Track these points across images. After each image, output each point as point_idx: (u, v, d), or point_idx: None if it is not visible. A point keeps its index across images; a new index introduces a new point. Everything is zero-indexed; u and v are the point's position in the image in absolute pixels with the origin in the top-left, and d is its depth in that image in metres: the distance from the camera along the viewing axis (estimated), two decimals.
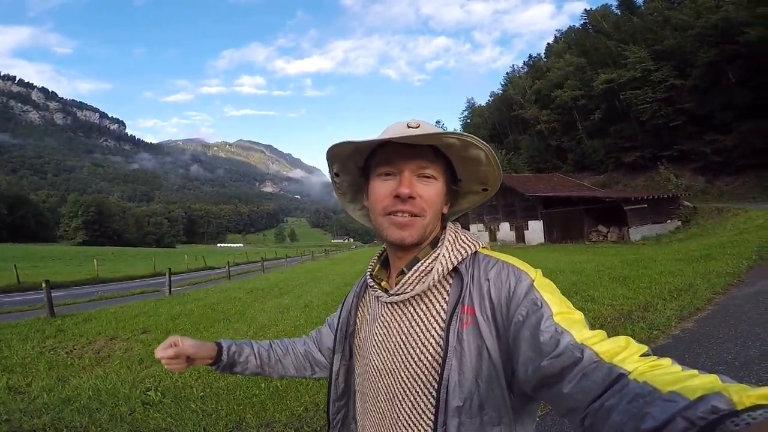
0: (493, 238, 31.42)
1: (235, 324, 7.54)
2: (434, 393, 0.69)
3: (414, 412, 0.73)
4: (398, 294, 0.77)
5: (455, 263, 0.74)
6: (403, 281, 0.77)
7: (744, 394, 0.35)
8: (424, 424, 0.71)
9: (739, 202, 25.31)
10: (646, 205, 22.32)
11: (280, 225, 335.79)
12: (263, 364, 1.04)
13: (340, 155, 0.80)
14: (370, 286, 0.85)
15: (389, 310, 0.80)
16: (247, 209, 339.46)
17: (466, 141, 0.72)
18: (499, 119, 65.78)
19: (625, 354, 0.52)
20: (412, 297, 0.76)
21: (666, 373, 0.45)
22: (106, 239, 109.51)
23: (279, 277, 17.99)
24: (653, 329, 4.83)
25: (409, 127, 0.74)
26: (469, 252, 0.76)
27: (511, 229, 30.18)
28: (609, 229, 23.17)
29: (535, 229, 27.68)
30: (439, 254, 0.76)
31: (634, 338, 0.54)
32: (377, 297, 0.83)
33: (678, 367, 0.47)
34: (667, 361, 0.49)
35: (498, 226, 31.56)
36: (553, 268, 10.93)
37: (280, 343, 1.09)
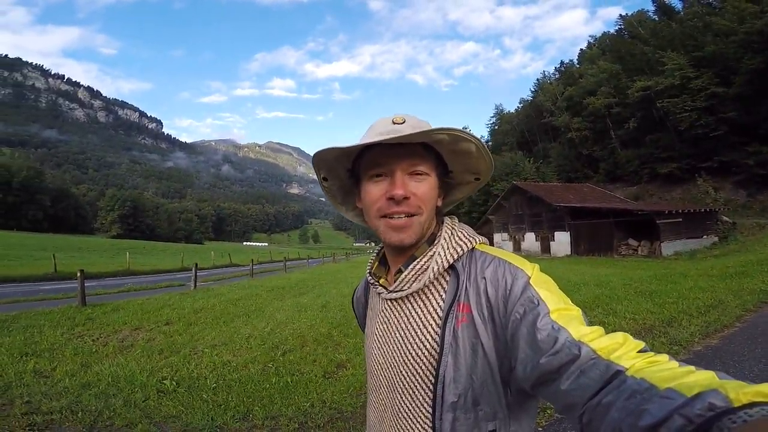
0: (517, 248, 30.84)
1: (254, 320, 7.70)
2: (431, 387, 0.71)
3: (413, 405, 0.74)
4: (396, 291, 0.78)
5: (451, 261, 0.74)
6: (400, 279, 0.77)
7: (741, 391, 0.35)
8: (422, 417, 0.73)
9: None
10: (680, 219, 21.38)
11: (304, 226, 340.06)
12: None
13: (327, 160, 0.80)
14: (371, 284, 0.87)
15: (389, 306, 0.81)
16: (273, 209, 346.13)
17: (456, 135, 0.71)
18: (528, 126, 64.49)
19: (623, 350, 0.52)
20: (409, 294, 0.77)
21: (663, 370, 0.46)
22: (139, 233, 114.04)
23: (300, 277, 18.25)
24: (674, 344, 4.67)
25: (394, 123, 0.74)
26: (466, 249, 0.76)
27: (536, 240, 29.54)
28: (640, 243, 22.32)
29: (562, 241, 26.98)
30: (435, 252, 0.76)
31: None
32: (378, 293, 0.84)
33: (675, 364, 0.47)
34: (664, 357, 0.49)
35: (523, 236, 30.95)
36: (578, 281, 10.63)
37: None
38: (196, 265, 14.89)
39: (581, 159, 51.30)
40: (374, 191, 0.75)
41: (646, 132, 41.99)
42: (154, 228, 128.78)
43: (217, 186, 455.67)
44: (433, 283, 0.76)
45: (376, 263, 0.89)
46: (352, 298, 1.05)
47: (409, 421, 0.74)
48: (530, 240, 30.19)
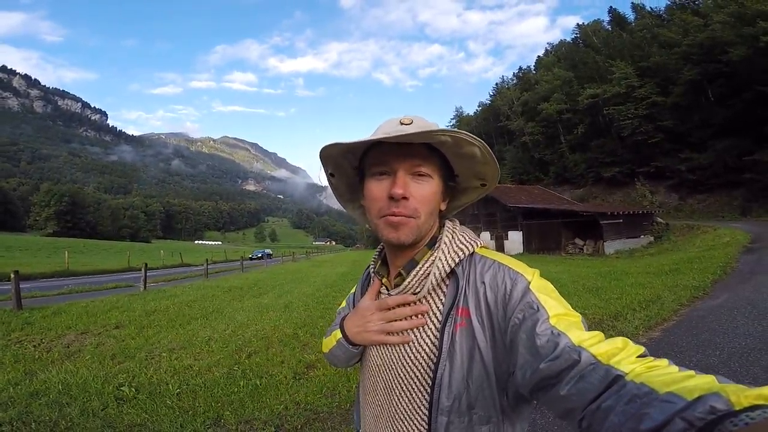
0: None
1: (213, 322, 7.44)
2: (428, 391, 0.72)
3: (410, 408, 0.75)
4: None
5: (452, 266, 0.75)
6: (403, 286, 0.78)
7: (742, 395, 0.36)
8: (418, 420, 0.74)
9: (709, 220, 26.25)
10: (621, 221, 22.98)
11: (260, 224, 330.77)
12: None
13: (333, 156, 0.79)
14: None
15: None
16: (227, 207, 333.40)
17: (459, 138, 0.71)
18: (485, 129, 66.50)
19: (623, 355, 0.52)
20: None
21: (663, 374, 0.46)
22: (78, 231, 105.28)
23: (258, 276, 17.78)
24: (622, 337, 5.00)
25: (402, 123, 0.74)
26: (466, 253, 0.77)
27: (491, 239, 30.56)
28: (585, 242, 23.76)
29: (515, 240, 28.12)
30: (435, 257, 0.76)
31: None
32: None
33: (675, 368, 0.47)
34: (664, 362, 0.49)
35: (479, 235, 31.79)
36: None
37: None
38: (146, 264, 14.14)
39: (533, 162, 53.69)
40: (376, 190, 0.75)
41: (592, 137, 44.60)
42: (95, 225, 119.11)
43: (166, 181, 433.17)
44: (433, 287, 0.76)
45: (379, 262, 0.89)
46: (351, 299, 1.03)
47: (405, 423, 0.75)
48: (485, 239, 31.19)
